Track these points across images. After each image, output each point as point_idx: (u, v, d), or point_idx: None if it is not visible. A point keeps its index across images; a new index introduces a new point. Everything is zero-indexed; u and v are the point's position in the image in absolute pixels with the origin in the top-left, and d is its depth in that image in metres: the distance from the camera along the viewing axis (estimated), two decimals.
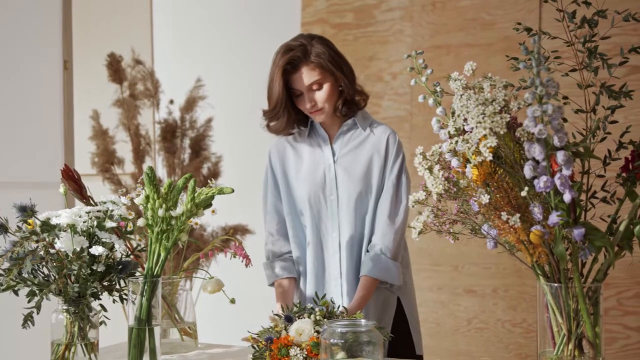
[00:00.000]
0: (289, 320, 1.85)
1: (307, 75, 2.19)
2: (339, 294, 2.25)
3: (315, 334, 1.80)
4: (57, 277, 1.65)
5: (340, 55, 2.25)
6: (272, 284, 2.31)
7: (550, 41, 1.51)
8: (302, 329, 1.81)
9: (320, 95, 2.20)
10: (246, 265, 2.09)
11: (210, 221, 3.60)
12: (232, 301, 2.03)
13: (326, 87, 2.20)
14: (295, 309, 1.92)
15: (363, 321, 1.63)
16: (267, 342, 1.80)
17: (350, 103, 2.26)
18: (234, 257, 2.10)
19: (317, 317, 1.85)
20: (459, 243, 1.52)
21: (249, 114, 2.85)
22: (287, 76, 2.19)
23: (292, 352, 1.76)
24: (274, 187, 2.33)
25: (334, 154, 2.28)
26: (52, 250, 1.64)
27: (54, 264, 1.63)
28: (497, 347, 3.39)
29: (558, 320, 1.40)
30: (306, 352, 1.76)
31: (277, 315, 1.93)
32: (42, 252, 1.63)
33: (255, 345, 1.84)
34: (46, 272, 1.69)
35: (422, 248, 3.48)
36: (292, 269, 2.30)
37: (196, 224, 1.86)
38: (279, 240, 2.32)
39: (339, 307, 1.99)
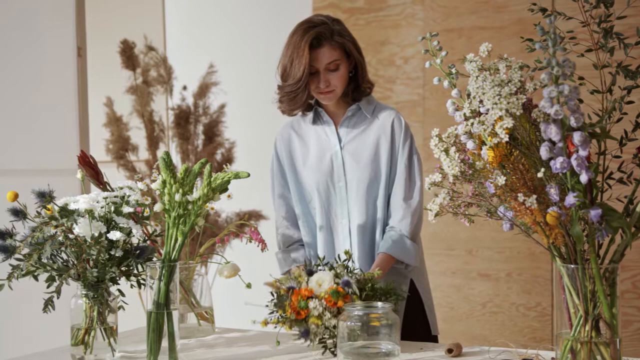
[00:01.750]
0: (310, 274, 1.86)
1: (328, 54, 2.17)
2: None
3: (335, 285, 1.81)
4: (76, 262, 1.66)
5: (357, 41, 2.26)
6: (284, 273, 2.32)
7: (565, 22, 1.50)
8: (322, 279, 1.83)
9: (336, 76, 2.19)
10: (262, 250, 2.10)
11: (225, 207, 3.62)
12: (249, 286, 2.04)
13: (342, 68, 2.20)
14: (316, 263, 1.93)
15: (380, 304, 1.64)
16: (288, 290, 1.81)
17: (359, 89, 2.27)
18: (250, 241, 2.11)
19: (338, 271, 1.86)
20: (473, 227, 1.52)
21: (261, 100, 2.85)
22: (309, 51, 2.15)
23: (311, 304, 1.77)
24: (281, 176, 2.33)
25: (340, 140, 2.28)
26: (71, 236, 1.65)
27: (73, 249, 1.65)
28: (511, 331, 3.39)
29: (575, 302, 1.41)
30: (325, 303, 1.77)
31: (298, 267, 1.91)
32: (61, 238, 1.64)
33: (274, 292, 1.85)
34: (65, 257, 1.70)
35: (435, 232, 3.48)
36: (304, 257, 2.31)
37: (212, 208, 1.87)
38: (288, 228, 2.33)
39: (357, 268, 1.97)
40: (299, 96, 2.18)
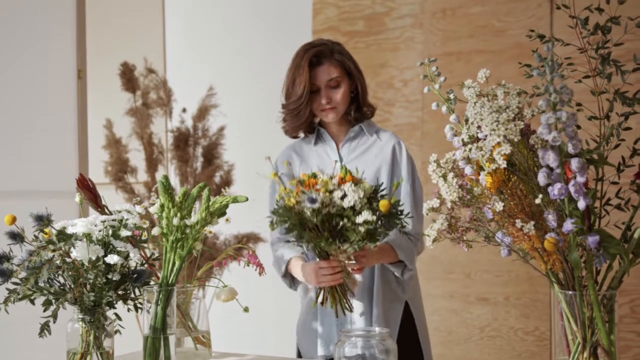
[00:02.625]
0: (313, 202, 1.86)
1: (328, 71, 2.25)
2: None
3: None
4: (73, 286, 1.66)
5: (357, 63, 2.33)
6: (284, 275, 2.30)
7: (562, 48, 1.51)
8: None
9: (337, 93, 2.26)
10: (259, 274, 2.09)
11: (223, 229, 3.61)
12: (246, 310, 2.03)
13: (343, 86, 2.26)
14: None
15: (377, 329, 1.64)
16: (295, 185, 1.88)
17: (360, 110, 2.31)
18: (248, 265, 2.10)
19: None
20: (471, 251, 1.52)
21: (261, 122, 2.86)
22: (309, 69, 2.23)
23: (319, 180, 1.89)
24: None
25: (341, 160, 2.30)
26: (68, 260, 1.65)
27: (70, 273, 1.64)
28: (509, 355, 3.37)
29: (573, 328, 1.40)
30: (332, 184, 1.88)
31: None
32: (58, 261, 1.64)
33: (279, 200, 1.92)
34: (62, 281, 1.70)
35: (434, 256, 3.47)
36: (299, 250, 2.29)
37: (210, 232, 1.86)
38: (284, 248, 2.33)
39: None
40: (301, 113, 2.25)
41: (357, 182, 1.91)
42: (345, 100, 2.28)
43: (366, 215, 1.84)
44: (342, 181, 1.90)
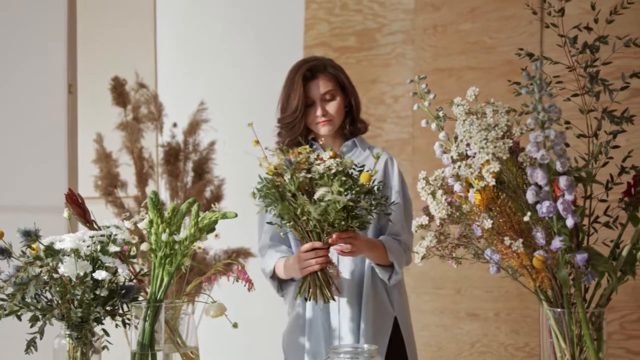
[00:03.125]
0: (290, 163, 1.93)
1: (323, 84, 2.28)
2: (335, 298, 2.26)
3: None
4: (60, 301, 1.65)
5: (349, 78, 2.37)
6: (272, 275, 2.29)
7: (552, 66, 1.51)
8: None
9: (332, 106, 2.29)
10: (249, 290, 2.08)
11: (213, 244, 3.60)
12: (235, 325, 2.02)
13: (338, 99, 2.30)
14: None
15: (366, 346, 1.63)
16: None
17: (354, 124, 2.35)
18: (237, 281, 2.09)
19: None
20: (461, 267, 1.52)
21: (251, 137, 2.86)
22: (304, 83, 2.28)
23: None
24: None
25: None
26: (55, 275, 1.64)
27: (58, 288, 1.63)
28: None
29: (561, 346, 1.40)
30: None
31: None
32: (45, 277, 1.63)
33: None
34: (49, 296, 1.69)
35: (424, 271, 3.47)
36: (288, 252, 2.30)
37: (199, 248, 1.86)
38: (273, 241, 2.34)
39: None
40: (296, 127, 2.29)
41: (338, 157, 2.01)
42: (340, 113, 2.31)
43: (322, 192, 1.89)
44: (334, 155, 2.00)
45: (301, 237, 2.06)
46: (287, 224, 2.02)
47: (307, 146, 2.02)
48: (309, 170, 1.96)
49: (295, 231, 2.06)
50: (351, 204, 1.93)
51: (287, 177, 1.94)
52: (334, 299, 2.07)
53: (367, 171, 2.00)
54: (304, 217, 1.98)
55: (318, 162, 1.97)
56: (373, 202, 1.99)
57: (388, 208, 2.02)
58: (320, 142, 2.30)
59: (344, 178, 1.93)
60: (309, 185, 1.95)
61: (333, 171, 1.93)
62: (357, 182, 1.97)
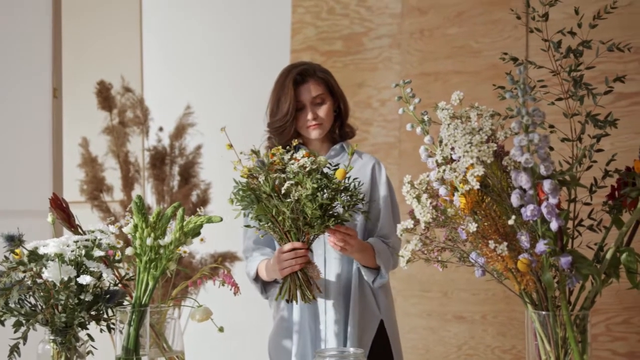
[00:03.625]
0: (263, 164, 1.97)
1: (313, 88, 2.30)
2: (321, 301, 2.26)
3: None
4: (44, 307, 1.63)
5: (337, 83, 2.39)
6: (255, 278, 2.30)
7: (536, 70, 1.52)
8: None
9: (322, 110, 2.30)
10: (235, 294, 2.08)
11: (199, 248, 3.59)
12: (221, 330, 2.01)
13: (327, 103, 2.32)
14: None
15: (352, 349, 1.63)
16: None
17: (342, 129, 2.37)
18: (223, 285, 2.09)
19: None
20: (448, 269, 1.52)
21: (237, 141, 2.86)
22: (294, 87, 2.29)
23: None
24: None
25: None
26: (39, 280, 1.63)
27: (41, 293, 1.62)
28: None
29: (546, 348, 1.40)
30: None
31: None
32: (29, 282, 1.62)
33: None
34: (33, 301, 1.68)
35: (411, 274, 3.48)
36: (272, 255, 2.29)
37: (185, 252, 1.85)
38: (257, 244, 2.35)
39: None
40: (286, 130, 2.29)
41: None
42: (329, 117, 2.32)
43: (286, 186, 1.93)
44: (307, 154, 2.02)
45: (279, 238, 2.07)
46: (265, 226, 2.04)
47: (280, 147, 2.05)
48: (283, 171, 1.97)
49: (274, 233, 2.06)
50: (327, 202, 1.96)
51: (261, 178, 1.95)
52: (314, 299, 2.07)
53: (341, 168, 2.02)
54: (280, 218, 1.99)
55: (292, 162, 1.98)
56: (350, 199, 2.01)
57: (365, 206, 2.04)
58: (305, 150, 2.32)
59: (318, 176, 1.95)
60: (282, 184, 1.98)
61: (307, 169, 1.94)
62: (332, 180, 1.99)
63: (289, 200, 1.94)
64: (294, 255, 2.05)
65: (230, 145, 2.03)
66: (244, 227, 2.37)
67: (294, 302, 2.08)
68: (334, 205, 2.01)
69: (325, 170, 2.04)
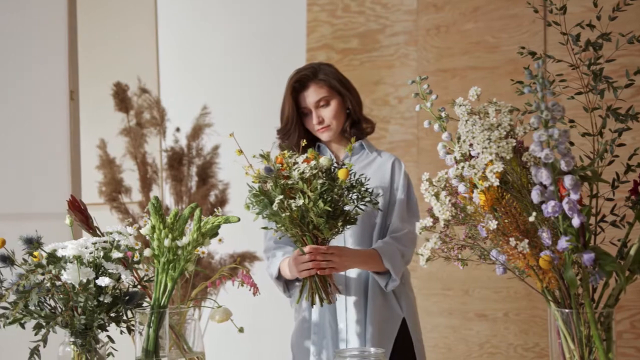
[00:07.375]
0: (269, 171, 1.96)
1: (315, 92, 2.30)
2: (342, 299, 2.25)
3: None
4: (63, 309, 1.64)
5: (346, 79, 2.37)
6: (278, 276, 2.29)
7: (555, 64, 1.50)
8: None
9: (328, 112, 2.31)
10: (254, 294, 2.07)
11: (218, 249, 3.59)
12: (241, 330, 2.01)
13: (333, 104, 2.31)
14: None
15: (373, 350, 1.62)
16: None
17: (358, 125, 2.35)
18: (242, 285, 2.08)
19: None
20: (469, 267, 1.50)
21: (255, 140, 2.86)
22: (296, 95, 2.32)
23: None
24: None
25: None
26: (58, 283, 1.63)
27: (61, 296, 1.62)
28: None
29: (570, 347, 1.38)
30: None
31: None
32: (48, 285, 1.62)
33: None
34: (53, 304, 1.68)
35: (432, 272, 3.45)
36: (290, 251, 2.29)
37: (203, 252, 1.85)
38: (279, 242, 2.34)
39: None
40: (291, 136, 2.33)
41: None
42: (338, 117, 2.31)
43: (299, 202, 1.93)
44: (307, 160, 2.00)
45: (295, 240, 2.06)
46: (282, 228, 2.03)
47: (286, 151, 2.04)
48: (289, 177, 1.97)
49: (291, 235, 2.06)
50: (329, 208, 1.94)
51: (269, 184, 1.96)
52: (330, 302, 2.07)
53: (344, 167, 2.01)
54: (288, 224, 1.99)
55: (295, 167, 1.98)
56: (359, 195, 2.00)
57: (374, 200, 2.04)
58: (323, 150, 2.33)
59: (320, 181, 1.94)
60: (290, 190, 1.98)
61: (307, 175, 1.93)
62: (336, 181, 1.98)
63: (294, 207, 1.94)
64: (308, 259, 2.05)
65: (241, 151, 2.02)
66: (263, 228, 2.36)
67: (312, 303, 2.08)
68: (341, 205, 1.99)
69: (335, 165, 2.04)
